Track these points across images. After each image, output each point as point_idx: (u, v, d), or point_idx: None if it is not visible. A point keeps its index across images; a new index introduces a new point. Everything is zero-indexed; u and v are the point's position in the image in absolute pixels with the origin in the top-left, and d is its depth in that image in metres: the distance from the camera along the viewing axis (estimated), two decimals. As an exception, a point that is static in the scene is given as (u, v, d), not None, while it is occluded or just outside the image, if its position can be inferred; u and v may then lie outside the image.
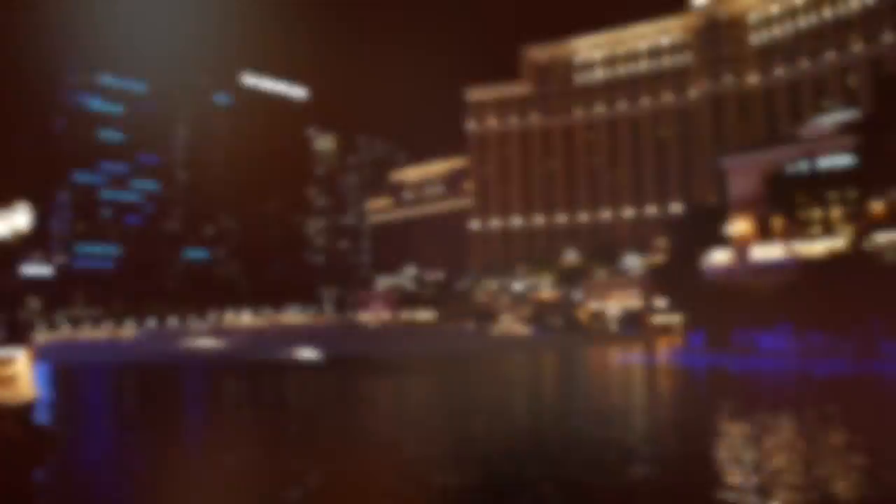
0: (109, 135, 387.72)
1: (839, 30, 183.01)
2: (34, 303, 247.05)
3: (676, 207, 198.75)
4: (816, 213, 64.54)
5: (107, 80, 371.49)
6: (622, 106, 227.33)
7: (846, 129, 69.48)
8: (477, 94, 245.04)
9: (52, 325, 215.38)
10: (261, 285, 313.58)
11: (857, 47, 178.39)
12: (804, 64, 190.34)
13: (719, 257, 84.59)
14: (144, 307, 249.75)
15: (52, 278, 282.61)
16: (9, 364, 24.83)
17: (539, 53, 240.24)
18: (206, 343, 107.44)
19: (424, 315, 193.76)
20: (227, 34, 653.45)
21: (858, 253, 58.07)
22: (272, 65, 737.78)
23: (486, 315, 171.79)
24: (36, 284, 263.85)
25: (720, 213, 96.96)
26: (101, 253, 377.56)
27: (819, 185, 61.90)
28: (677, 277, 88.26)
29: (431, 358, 58.69)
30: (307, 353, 72.07)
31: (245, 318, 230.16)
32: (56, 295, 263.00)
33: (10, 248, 28.24)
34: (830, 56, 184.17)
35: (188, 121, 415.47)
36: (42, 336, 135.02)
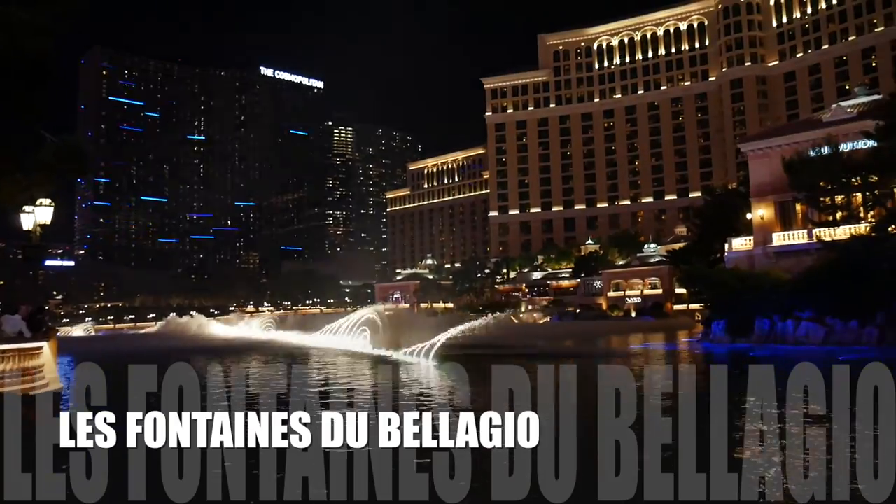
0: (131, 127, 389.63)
1: (860, 11, 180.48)
2: (57, 295, 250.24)
3: (696, 194, 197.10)
4: (839, 198, 63.75)
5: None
6: (641, 92, 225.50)
7: (869, 112, 68.55)
8: (495, 82, 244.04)
9: (74, 318, 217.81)
10: (279, 277, 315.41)
11: (879, 28, 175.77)
12: (825, 47, 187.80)
13: (740, 244, 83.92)
14: (164, 300, 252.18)
15: (75, 271, 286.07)
16: (34, 356, 25.19)
17: (557, 41, 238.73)
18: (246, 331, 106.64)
19: (443, 305, 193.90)
20: (245, 25, 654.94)
21: (881, 238, 57.33)
22: (289, 56, 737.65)
23: (506, 304, 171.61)
24: (59, 277, 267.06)
25: (741, 200, 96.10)
26: (122, 246, 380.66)
27: (841, 170, 61.06)
28: (698, 265, 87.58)
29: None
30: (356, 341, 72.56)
31: (265, 312, 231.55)
32: (78, 288, 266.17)
33: (34, 243, 28.56)
34: (852, 38, 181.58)
35: (207, 112, 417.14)
36: (65, 328, 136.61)
